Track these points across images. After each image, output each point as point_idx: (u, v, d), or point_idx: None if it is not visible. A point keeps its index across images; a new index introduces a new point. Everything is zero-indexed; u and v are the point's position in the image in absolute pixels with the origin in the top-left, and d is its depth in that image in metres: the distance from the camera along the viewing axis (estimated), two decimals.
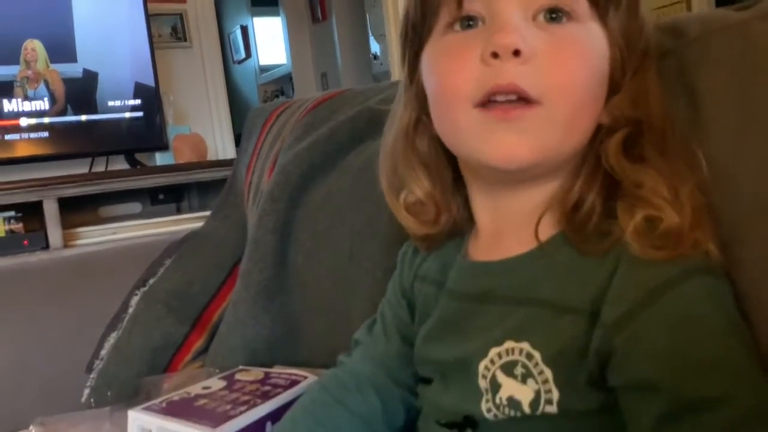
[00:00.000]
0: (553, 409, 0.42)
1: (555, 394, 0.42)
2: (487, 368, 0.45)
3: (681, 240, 0.41)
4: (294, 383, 0.74)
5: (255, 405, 0.68)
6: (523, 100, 0.43)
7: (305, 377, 0.75)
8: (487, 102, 0.43)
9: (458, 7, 0.45)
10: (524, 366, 0.43)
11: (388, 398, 0.59)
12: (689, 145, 0.46)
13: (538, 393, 0.42)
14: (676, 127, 0.46)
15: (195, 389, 0.73)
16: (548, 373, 0.42)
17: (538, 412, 0.42)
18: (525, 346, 0.43)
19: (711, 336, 0.39)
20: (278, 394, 0.71)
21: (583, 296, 0.42)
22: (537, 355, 0.43)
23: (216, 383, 0.75)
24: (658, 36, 0.50)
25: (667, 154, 0.44)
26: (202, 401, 0.70)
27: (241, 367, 0.82)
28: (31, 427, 0.75)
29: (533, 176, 0.47)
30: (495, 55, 0.43)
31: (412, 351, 0.57)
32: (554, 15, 0.44)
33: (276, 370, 0.79)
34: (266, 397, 0.70)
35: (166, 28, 2.55)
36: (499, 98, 0.43)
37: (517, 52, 0.42)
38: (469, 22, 0.45)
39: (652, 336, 0.39)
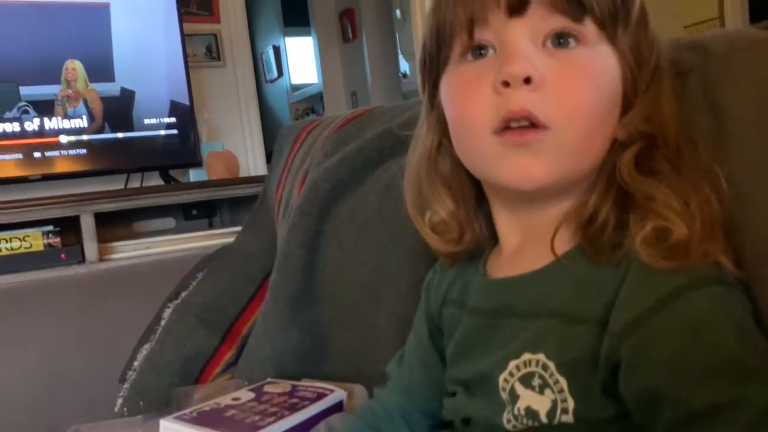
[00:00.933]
0: (569, 418, 0.43)
1: (570, 403, 0.43)
2: (506, 381, 0.47)
3: (689, 251, 0.41)
4: (321, 396, 0.75)
5: (283, 417, 0.69)
6: (534, 126, 0.44)
7: (332, 391, 0.76)
8: (503, 129, 0.45)
9: (469, 37, 0.47)
10: (541, 377, 0.44)
11: (416, 428, 0.61)
12: (706, 159, 0.46)
13: (554, 402, 0.43)
14: (694, 141, 0.47)
15: (225, 400, 0.74)
16: (563, 383, 0.43)
17: (555, 422, 0.43)
18: (541, 357, 0.44)
19: (718, 344, 0.39)
20: (305, 406, 0.72)
21: (595, 306, 0.43)
22: (551, 365, 0.44)
23: (245, 395, 0.76)
24: (682, 52, 0.51)
25: (680, 168, 0.45)
26: (231, 412, 0.71)
27: (269, 379, 0.83)
28: None
29: (550, 194, 0.48)
30: (506, 84, 0.44)
31: (438, 381, 0.59)
32: (562, 40, 0.45)
33: (303, 383, 0.80)
34: (294, 409, 0.71)
35: (200, 48, 2.61)
36: (513, 124, 0.45)
37: (527, 80, 0.44)
38: (480, 51, 0.47)
39: (659, 343, 0.39)
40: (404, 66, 3.66)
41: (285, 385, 0.79)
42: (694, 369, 0.38)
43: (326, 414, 0.73)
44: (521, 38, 0.45)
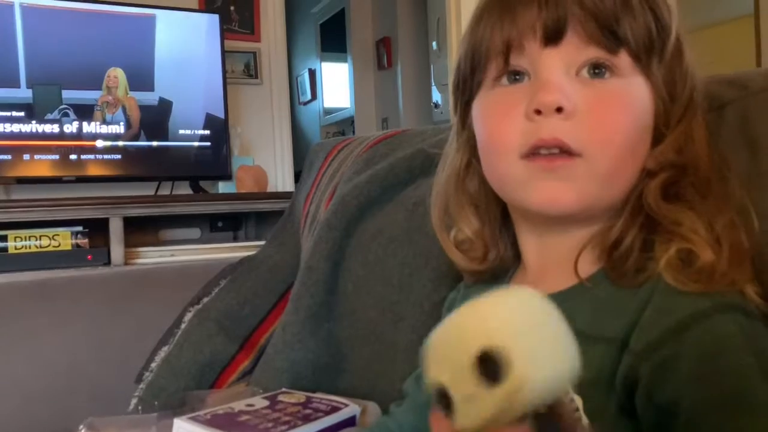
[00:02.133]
0: None
1: (584, 422, 0.42)
2: None
3: (715, 276, 0.41)
4: (335, 410, 0.75)
5: (295, 426, 0.69)
6: (566, 153, 0.45)
7: (346, 405, 0.76)
8: (531, 154, 0.46)
9: (505, 63, 0.48)
10: None
11: None
12: (739, 194, 0.46)
13: None
14: (725, 177, 0.47)
15: (239, 405, 0.75)
16: (578, 402, 0.43)
17: None
18: None
19: (736, 371, 0.39)
20: (318, 418, 0.72)
21: (615, 327, 0.43)
22: None
23: (259, 402, 0.76)
24: (720, 87, 0.51)
25: (706, 194, 0.45)
26: (245, 417, 0.71)
27: (284, 389, 0.83)
28: (81, 428, 0.78)
29: (576, 219, 0.48)
30: (538, 111, 0.45)
31: None
32: (597, 70, 0.46)
33: (318, 395, 0.80)
34: (307, 419, 0.71)
35: (239, 65, 2.67)
36: (543, 152, 0.45)
37: (559, 109, 0.44)
38: (515, 76, 0.48)
39: (679, 364, 0.39)
40: (436, 96, 3.69)
41: (300, 396, 0.79)
42: (710, 393, 0.38)
43: (339, 428, 0.73)
44: (555, 68, 0.46)
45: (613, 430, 0.42)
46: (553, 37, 0.45)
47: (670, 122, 0.47)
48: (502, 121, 0.47)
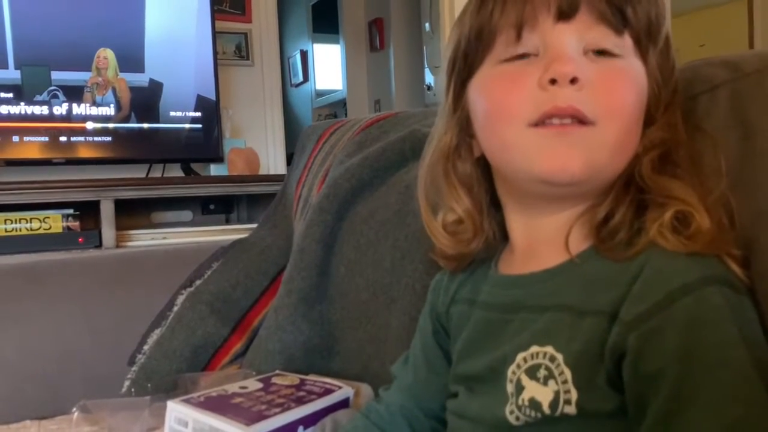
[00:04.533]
0: (571, 409, 0.43)
1: (574, 395, 0.43)
2: (513, 372, 0.48)
3: (707, 239, 0.43)
4: (328, 392, 0.75)
5: (289, 408, 0.69)
6: (578, 121, 0.46)
7: (340, 387, 0.76)
8: (541, 123, 0.46)
9: (517, 37, 0.48)
10: (547, 368, 0.45)
11: (418, 428, 0.62)
12: (717, 184, 0.47)
13: (557, 394, 0.44)
14: (702, 165, 0.48)
15: (232, 388, 0.75)
16: (568, 374, 0.44)
17: (558, 413, 0.44)
18: (549, 349, 0.45)
19: (720, 342, 0.40)
20: (312, 400, 0.72)
21: (605, 300, 0.44)
22: (560, 357, 0.45)
23: (253, 384, 0.77)
24: (713, 69, 0.51)
25: (693, 176, 0.47)
26: (238, 399, 0.71)
27: (278, 371, 0.83)
28: (74, 410, 0.78)
29: (573, 195, 0.49)
30: (553, 81, 0.46)
31: (441, 380, 0.60)
32: (602, 50, 0.48)
33: (311, 377, 0.81)
34: (300, 402, 0.72)
35: (230, 46, 2.64)
36: (554, 121, 0.46)
37: (574, 80, 0.46)
38: (522, 57, 0.49)
39: (665, 335, 0.40)
40: (429, 78, 3.67)
41: (293, 378, 0.79)
42: (692, 361, 0.40)
43: (332, 410, 0.73)
44: (568, 41, 0.47)
45: (600, 403, 0.43)
46: (567, 13, 0.47)
47: (660, 106, 0.49)
48: (511, 91, 0.48)
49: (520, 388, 0.47)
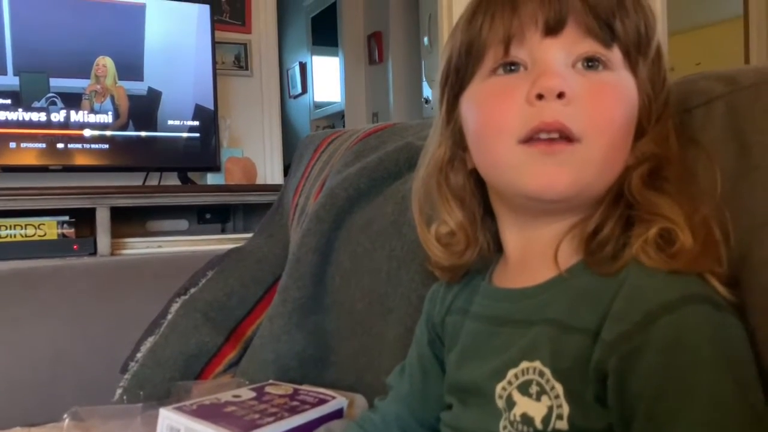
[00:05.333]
0: (563, 424, 0.43)
1: (566, 409, 0.43)
2: (504, 389, 0.47)
3: (690, 258, 0.42)
4: (322, 402, 0.75)
5: (282, 418, 0.69)
6: (565, 137, 0.46)
7: (333, 397, 0.76)
8: (529, 139, 0.46)
9: (505, 52, 0.48)
10: (538, 384, 0.45)
11: None
12: (715, 192, 0.47)
13: (550, 409, 0.44)
14: (695, 176, 0.48)
15: (225, 396, 0.74)
16: (559, 389, 0.44)
17: (550, 428, 0.44)
18: (537, 364, 0.45)
19: (698, 364, 0.39)
20: (305, 410, 0.72)
21: (590, 317, 0.44)
22: (547, 371, 0.45)
23: (246, 393, 0.76)
24: (709, 82, 0.51)
25: (684, 193, 0.46)
26: (231, 408, 0.71)
27: (271, 381, 0.83)
28: (65, 417, 0.77)
29: (564, 209, 0.49)
30: (540, 96, 0.46)
31: (436, 390, 0.59)
32: (591, 63, 0.47)
33: (305, 387, 0.80)
34: (293, 411, 0.71)
35: (229, 56, 2.65)
36: (542, 135, 0.46)
37: (561, 95, 0.46)
38: (511, 67, 0.49)
39: (643, 356, 0.40)
40: (427, 92, 3.68)
41: (287, 388, 0.79)
42: (670, 383, 0.39)
43: (326, 420, 0.73)
44: (556, 56, 0.47)
45: (591, 420, 0.43)
46: (554, 28, 0.47)
47: (651, 119, 0.49)
48: (500, 106, 0.48)
49: (511, 403, 0.47)
